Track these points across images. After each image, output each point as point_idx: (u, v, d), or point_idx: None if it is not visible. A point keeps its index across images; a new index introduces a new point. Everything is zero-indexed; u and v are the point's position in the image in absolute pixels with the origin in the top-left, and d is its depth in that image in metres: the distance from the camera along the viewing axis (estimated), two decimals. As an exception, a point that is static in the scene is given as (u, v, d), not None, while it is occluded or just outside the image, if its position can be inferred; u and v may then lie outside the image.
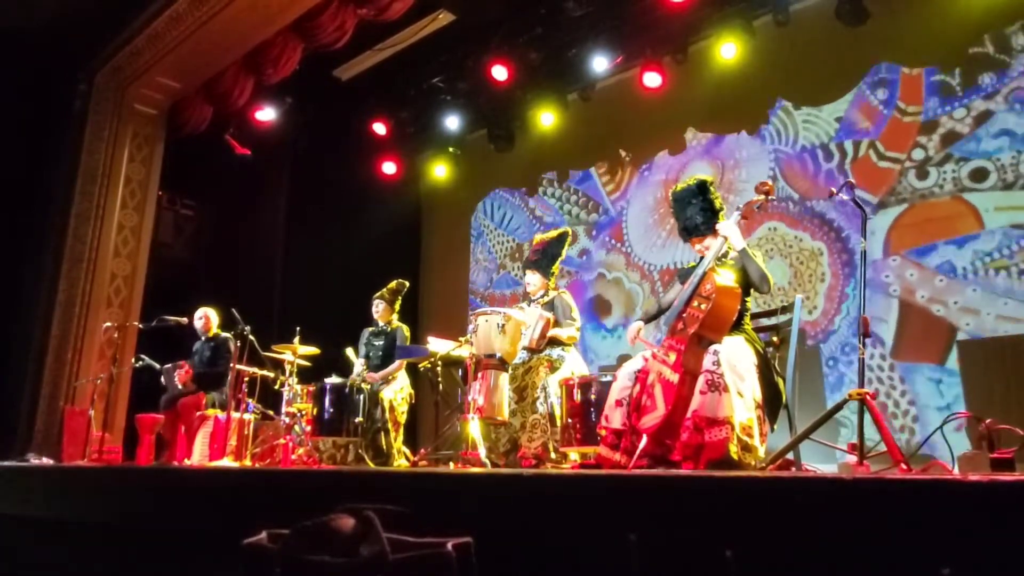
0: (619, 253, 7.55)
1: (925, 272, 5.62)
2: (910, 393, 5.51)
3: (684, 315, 3.23)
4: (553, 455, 4.13)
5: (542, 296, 4.72)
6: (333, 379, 5.26)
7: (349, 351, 5.62)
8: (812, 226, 6.24)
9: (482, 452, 4.03)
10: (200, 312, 6.01)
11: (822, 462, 3.99)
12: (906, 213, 5.82)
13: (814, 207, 6.26)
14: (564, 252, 4.86)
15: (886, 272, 5.78)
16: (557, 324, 4.54)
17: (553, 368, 4.39)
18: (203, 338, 6.00)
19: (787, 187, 6.47)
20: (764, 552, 1.61)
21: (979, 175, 5.53)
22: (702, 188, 3.51)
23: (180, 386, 5.65)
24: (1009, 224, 5.32)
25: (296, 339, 5.09)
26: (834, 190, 3.19)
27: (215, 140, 7.94)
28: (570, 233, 4.94)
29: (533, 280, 4.75)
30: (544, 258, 4.76)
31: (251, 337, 5.09)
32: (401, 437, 5.32)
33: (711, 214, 3.47)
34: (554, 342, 4.52)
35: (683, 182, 3.64)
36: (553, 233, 4.89)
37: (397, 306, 5.76)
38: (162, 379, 5.82)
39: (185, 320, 5.87)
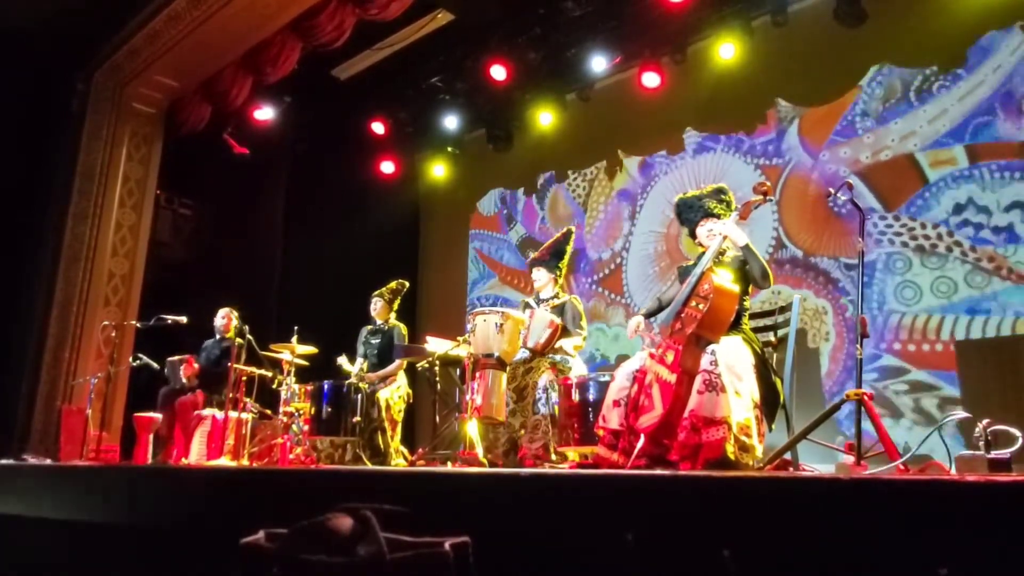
0: (618, 305, 7.48)
1: (851, 141, 6.20)
2: (935, 217, 5.67)
3: (682, 315, 3.23)
4: (553, 456, 4.12)
5: (552, 297, 4.70)
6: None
7: (341, 360, 5.59)
8: (817, 284, 6.18)
9: (480, 452, 4.03)
10: (223, 312, 6.03)
11: (820, 462, 3.99)
12: (802, 123, 6.50)
13: (818, 264, 6.20)
14: (570, 249, 4.88)
15: (828, 167, 6.26)
16: (565, 330, 4.52)
17: (557, 371, 4.37)
18: (217, 337, 5.99)
19: (791, 245, 6.40)
20: (762, 552, 1.61)
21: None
22: (720, 190, 3.62)
23: (184, 380, 5.66)
24: (876, 67, 6.11)
25: (294, 339, 5.08)
26: (832, 190, 3.19)
27: (214, 139, 7.93)
28: (573, 231, 4.95)
29: (540, 276, 4.75)
30: (550, 255, 4.76)
31: (249, 336, 5.08)
32: (398, 436, 5.32)
33: (726, 205, 3.56)
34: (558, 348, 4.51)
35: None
36: (557, 234, 4.90)
37: (396, 305, 5.76)
38: (166, 371, 5.81)
39: (184, 319, 5.86)
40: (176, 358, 5.77)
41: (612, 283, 7.57)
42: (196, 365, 5.74)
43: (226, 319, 5.99)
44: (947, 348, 5.39)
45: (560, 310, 4.58)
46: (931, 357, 5.49)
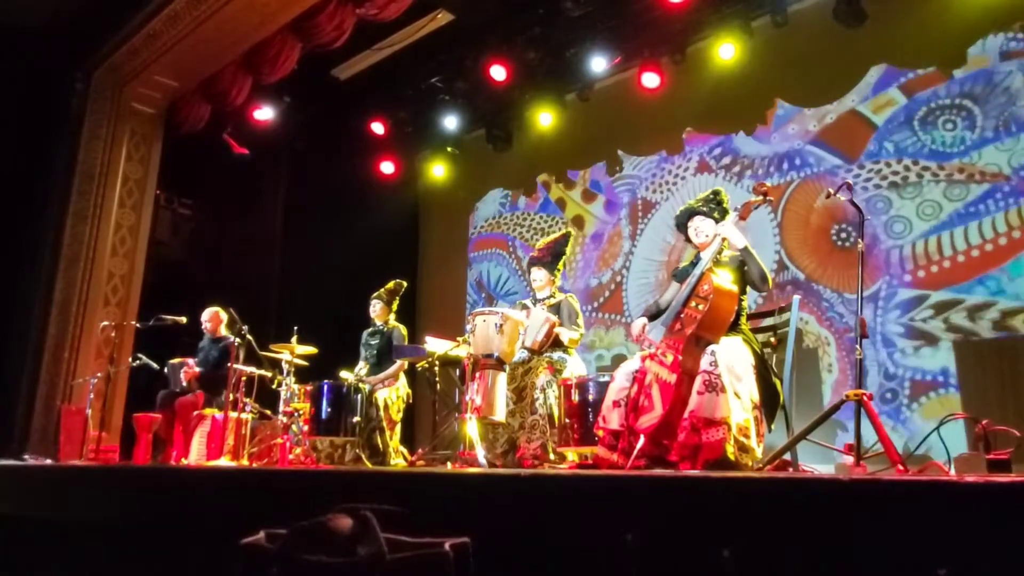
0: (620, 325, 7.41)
1: (795, 117, 6.60)
2: (896, 154, 6.00)
3: (682, 316, 3.23)
4: (552, 455, 4.13)
5: (548, 297, 4.71)
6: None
7: (344, 374, 5.55)
8: (819, 311, 6.13)
9: (479, 452, 4.03)
10: (209, 311, 5.96)
11: (819, 463, 4.00)
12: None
13: (821, 292, 6.16)
14: (568, 251, 4.89)
15: (782, 145, 6.61)
16: (561, 327, 4.54)
17: (555, 370, 4.38)
18: (210, 337, 5.97)
19: (793, 267, 6.37)
20: (761, 552, 1.62)
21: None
22: (715, 192, 3.66)
23: (184, 383, 5.64)
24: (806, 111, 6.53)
25: (294, 339, 5.08)
26: (831, 191, 3.19)
27: (213, 139, 7.92)
28: (572, 234, 4.96)
29: (539, 276, 4.76)
30: (550, 255, 4.77)
31: (249, 336, 5.08)
32: (397, 436, 5.31)
33: (716, 204, 3.59)
34: (556, 343, 4.52)
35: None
36: (557, 235, 4.90)
37: (395, 306, 5.75)
38: (166, 372, 5.79)
39: (183, 319, 5.86)
40: (176, 361, 5.76)
41: (612, 306, 7.50)
42: (197, 369, 5.73)
43: (212, 319, 5.93)
44: (954, 261, 5.56)
45: (556, 308, 4.60)
46: (944, 275, 5.60)
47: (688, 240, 3.65)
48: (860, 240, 3.08)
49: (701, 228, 3.52)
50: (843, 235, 6.14)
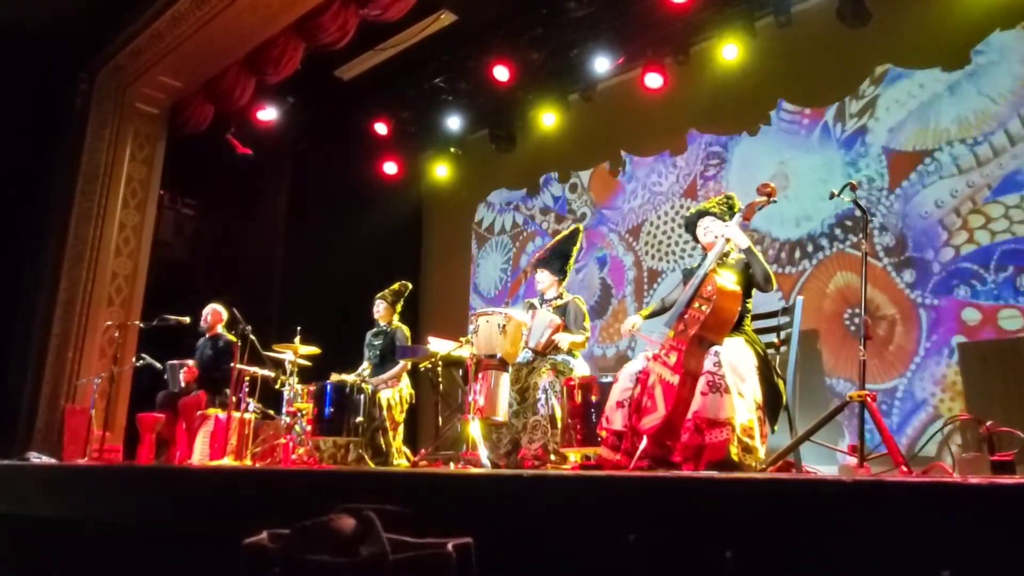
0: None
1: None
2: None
3: (685, 316, 3.23)
4: (553, 456, 4.12)
5: (555, 298, 4.69)
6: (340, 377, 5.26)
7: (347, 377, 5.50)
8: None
9: (482, 452, 4.03)
10: (208, 308, 5.99)
11: (823, 464, 3.99)
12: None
13: (835, 386, 5.78)
14: (575, 251, 4.84)
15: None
16: (567, 330, 4.52)
17: (558, 372, 4.37)
18: (206, 336, 5.98)
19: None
20: (764, 553, 1.61)
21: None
22: (728, 197, 3.69)
23: (183, 384, 5.65)
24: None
25: (297, 339, 5.08)
26: (835, 191, 3.18)
27: (216, 139, 7.94)
28: (581, 230, 4.91)
29: (543, 278, 4.73)
30: (554, 255, 4.74)
31: (252, 336, 5.08)
32: (400, 436, 5.31)
33: (728, 207, 3.62)
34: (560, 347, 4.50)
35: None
36: (564, 233, 4.87)
37: (399, 307, 5.75)
38: (165, 375, 5.81)
39: (187, 319, 5.86)
40: (176, 361, 5.76)
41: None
42: (194, 370, 5.73)
43: (211, 315, 5.95)
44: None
45: (563, 310, 4.58)
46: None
47: (695, 240, 3.67)
48: (863, 240, 3.07)
49: (710, 228, 3.55)
50: (855, 319, 5.77)
